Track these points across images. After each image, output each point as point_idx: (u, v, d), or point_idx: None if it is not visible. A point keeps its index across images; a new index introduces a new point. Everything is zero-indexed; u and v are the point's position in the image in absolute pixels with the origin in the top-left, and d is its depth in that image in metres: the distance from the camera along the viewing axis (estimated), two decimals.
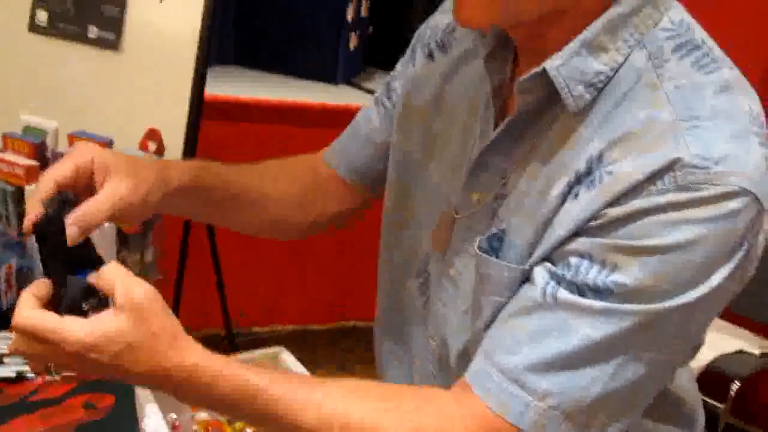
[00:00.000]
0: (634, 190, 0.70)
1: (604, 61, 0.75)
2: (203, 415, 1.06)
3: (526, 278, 0.78)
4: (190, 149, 1.80)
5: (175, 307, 2.02)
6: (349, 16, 4.51)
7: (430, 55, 0.99)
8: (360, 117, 1.13)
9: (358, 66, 4.81)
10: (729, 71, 0.74)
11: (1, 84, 1.94)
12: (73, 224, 0.78)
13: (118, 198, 0.82)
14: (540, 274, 0.76)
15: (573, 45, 0.75)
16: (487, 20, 0.75)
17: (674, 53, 0.74)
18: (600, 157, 0.73)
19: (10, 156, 1.53)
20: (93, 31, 1.84)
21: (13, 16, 1.88)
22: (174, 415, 1.05)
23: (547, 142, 0.79)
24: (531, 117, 0.80)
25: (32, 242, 1.47)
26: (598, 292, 0.71)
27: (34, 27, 1.88)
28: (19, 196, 1.49)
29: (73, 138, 1.54)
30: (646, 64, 0.74)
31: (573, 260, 0.73)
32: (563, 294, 0.73)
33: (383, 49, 5.23)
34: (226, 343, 2.26)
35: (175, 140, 1.80)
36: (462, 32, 0.95)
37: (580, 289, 0.72)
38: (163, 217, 1.48)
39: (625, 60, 0.75)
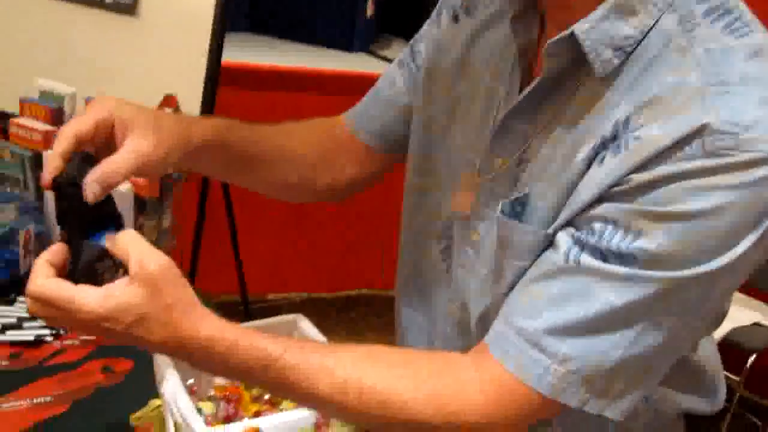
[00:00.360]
0: (662, 155, 0.69)
1: (634, 24, 0.73)
2: (221, 380, 1.07)
3: (549, 243, 0.78)
4: (207, 115, 1.80)
5: (192, 273, 2.02)
6: None
7: (455, 18, 0.98)
8: (382, 80, 1.11)
9: (375, 33, 4.78)
10: (761, 36, 0.72)
11: (17, 49, 1.94)
12: (93, 181, 0.76)
13: (139, 155, 0.80)
14: (563, 239, 0.76)
15: (603, 8, 0.73)
16: None
17: (705, 17, 0.73)
18: (626, 122, 0.72)
19: (27, 121, 1.53)
20: None
21: None
22: (192, 380, 1.05)
23: (572, 107, 0.78)
24: (556, 81, 0.79)
25: (50, 207, 1.47)
26: (622, 257, 0.71)
27: None
28: (36, 162, 1.49)
29: (90, 104, 1.53)
30: (676, 27, 0.73)
31: (597, 225, 0.73)
32: (586, 259, 0.73)
33: (400, 16, 5.19)
34: (241, 310, 2.26)
35: (191, 107, 1.80)
36: None
37: (604, 255, 0.72)
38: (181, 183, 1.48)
39: (655, 23, 0.73)
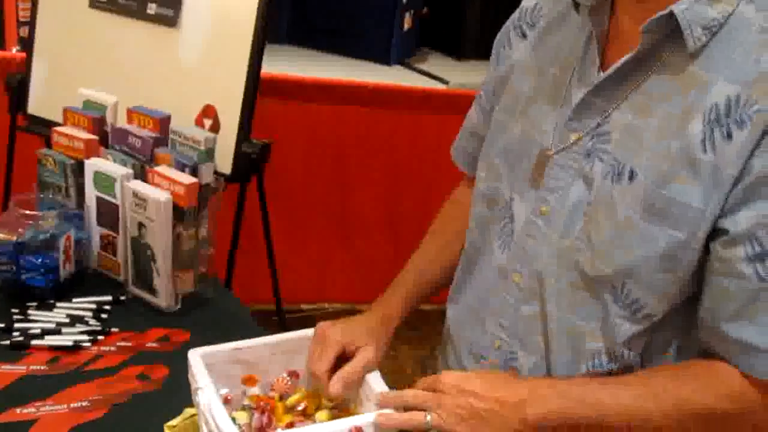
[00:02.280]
0: None
1: (718, 9, 0.86)
2: (255, 390, 1.07)
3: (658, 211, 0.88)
4: (246, 126, 1.81)
5: (228, 282, 2.04)
6: None
7: (523, 35, 1.12)
8: (466, 117, 1.27)
9: (413, 46, 4.79)
10: None
11: (62, 58, 1.98)
12: (337, 381, 1.05)
13: (368, 361, 1.08)
14: (737, 264, 0.85)
15: None
16: None
17: None
18: (738, 99, 0.83)
19: (70, 130, 1.56)
20: (152, 7, 1.85)
21: None
22: (226, 390, 1.06)
23: (659, 82, 0.90)
24: (642, 59, 0.91)
25: (90, 215, 1.49)
26: None
27: (94, 3, 1.90)
28: (78, 169, 1.51)
29: (132, 112, 1.56)
30: (756, 15, 0.86)
31: (760, 232, 0.83)
32: None
33: (438, 29, 5.19)
34: (275, 320, 2.27)
35: (230, 117, 1.81)
36: (547, 7, 1.09)
37: None
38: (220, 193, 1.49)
39: (734, 11, 0.87)
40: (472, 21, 5.18)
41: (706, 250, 0.88)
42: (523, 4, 1.15)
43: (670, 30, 0.87)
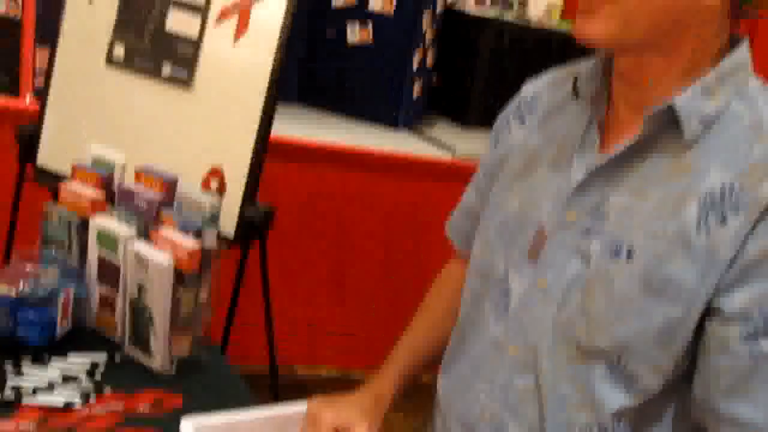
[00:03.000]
0: None
1: (713, 104, 0.93)
2: None
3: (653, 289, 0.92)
4: (251, 190, 1.82)
5: (223, 343, 2.03)
6: (415, 65, 4.55)
7: (522, 121, 1.17)
8: (462, 197, 1.32)
9: (421, 112, 4.84)
10: None
11: (75, 112, 2.00)
12: None
13: None
14: (731, 342, 0.88)
15: (692, 89, 0.93)
16: (606, 35, 0.92)
17: (765, 104, 0.94)
18: (732, 186, 0.89)
19: (77, 186, 1.57)
20: (167, 68, 1.88)
21: (93, 49, 1.94)
22: None
23: (656, 168, 0.95)
24: (642, 146, 0.96)
25: (91, 272, 1.49)
26: None
27: (111, 60, 1.93)
28: (82, 227, 1.52)
29: (140, 173, 1.57)
30: (745, 111, 0.94)
31: (754, 311, 0.87)
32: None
33: (446, 96, 5.26)
34: (268, 385, 2.25)
35: (237, 179, 1.83)
36: (547, 96, 1.16)
37: None
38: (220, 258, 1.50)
39: (727, 106, 0.94)
40: (479, 90, 5.26)
41: (701, 327, 0.91)
42: (521, 93, 1.21)
43: (668, 120, 0.94)
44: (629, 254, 0.94)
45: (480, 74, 5.27)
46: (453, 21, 5.21)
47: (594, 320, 0.96)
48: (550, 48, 5.38)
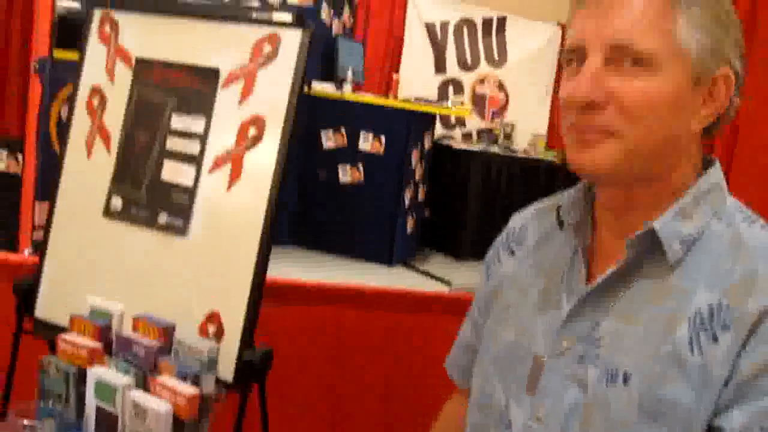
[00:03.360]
0: (760, 325, 0.89)
1: (692, 225, 0.97)
2: None
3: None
4: (249, 333, 1.82)
5: None
6: (406, 201, 4.65)
7: (512, 252, 1.20)
8: (459, 332, 1.33)
9: (414, 247, 4.90)
10: None
11: (73, 264, 2.03)
12: None
13: None
14: None
15: (671, 211, 0.97)
16: (607, 168, 0.95)
17: (743, 222, 0.98)
18: (720, 305, 0.92)
19: (75, 337, 1.58)
20: (163, 217, 1.92)
21: (91, 201, 1.99)
22: None
23: (642, 291, 0.98)
24: (626, 271, 0.99)
25: (90, 425, 1.48)
26: None
27: (108, 212, 1.98)
28: (80, 378, 1.51)
29: (137, 322, 1.58)
30: (726, 229, 0.97)
31: (755, 429, 0.87)
32: None
33: (438, 231, 5.34)
34: None
35: (234, 323, 1.83)
36: (533, 227, 1.19)
37: None
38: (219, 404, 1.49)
39: (706, 226, 0.97)
40: (471, 222, 5.35)
41: None
42: (509, 224, 1.26)
43: (650, 244, 0.97)
44: (625, 379, 0.95)
45: (470, 206, 5.38)
46: (441, 156, 5.36)
47: None
48: (537, 176, 5.52)
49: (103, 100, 2.02)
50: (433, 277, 3.96)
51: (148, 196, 1.95)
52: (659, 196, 0.99)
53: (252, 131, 1.85)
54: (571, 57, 0.98)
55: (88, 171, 2.02)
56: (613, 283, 1.00)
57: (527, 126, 6.75)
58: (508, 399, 1.08)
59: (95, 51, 2.02)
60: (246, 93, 1.88)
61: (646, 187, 0.99)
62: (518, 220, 1.24)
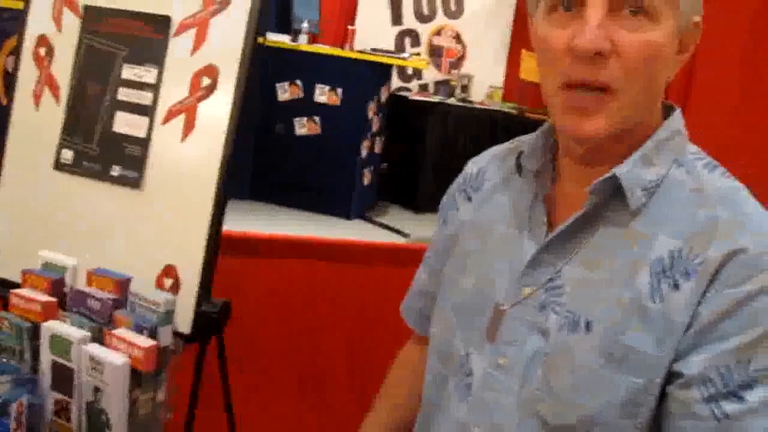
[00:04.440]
0: (722, 271, 0.88)
1: (654, 172, 0.96)
2: None
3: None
4: (206, 286, 1.81)
5: None
6: (363, 153, 4.63)
7: (469, 198, 1.18)
8: (415, 276, 1.31)
9: (372, 200, 4.90)
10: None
11: (24, 219, 1.99)
12: None
13: None
14: (694, 405, 0.88)
15: (633, 158, 0.96)
16: (607, 132, 0.92)
17: (703, 168, 0.97)
18: (680, 252, 0.91)
19: (27, 292, 1.55)
20: (116, 170, 1.89)
21: (41, 154, 1.94)
22: None
23: (604, 238, 0.97)
24: (587, 218, 0.98)
25: (45, 380, 1.46)
26: (750, 386, 0.86)
27: (59, 165, 1.93)
28: (34, 333, 1.49)
29: (91, 275, 1.56)
30: (687, 177, 0.96)
31: (713, 374, 0.87)
32: (728, 407, 0.87)
33: (396, 184, 5.33)
34: None
35: (191, 276, 1.82)
36: (491, 173, 1.17)
37: (737, 394, 0.87)
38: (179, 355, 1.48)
39: (667, 173, 0.97)
40: (428, 175, 5.35)
41: (664, 393, 0.91)
42: (466, 169, 1.22)
43: (613, 190, 0.96)
44: (588, 327, 0.94)
45: (428, 158, 5.38)
46: (399, 108, 5.34)
47: (559, 396, 0.95)
48: (494, 128, 5.52)
49: (50, 50, 1.96)
50: (391, 229, 3.97)
51: (100, 148, 1.91)
52: (628, 146, 0.97)
53: (205, 81, 1.81)
54: (555, 2, 0.93)
55: (36, 123, 1.97)
56: (575, 231, 0.99)
57: (484, 78, 6.73)
58: (468, 347, 1.07)
59: None
60: (199, 42, 1.84)
61: (619, 141, 0.96)
62: (475, 164, 1.22)
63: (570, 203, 1.01)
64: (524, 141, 1.13)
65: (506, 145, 1.20)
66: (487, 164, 1.19)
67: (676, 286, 0.90)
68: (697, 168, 0.98)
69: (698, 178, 0.96)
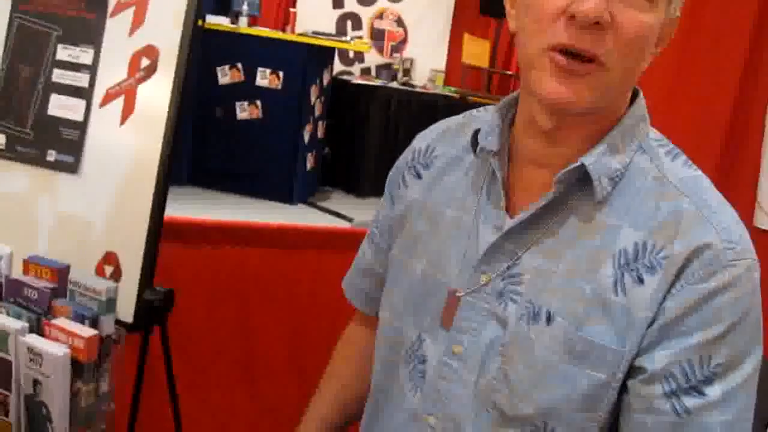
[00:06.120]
0: (688, 266, 0.87)
1: (619, 160, 0.94)
2: None
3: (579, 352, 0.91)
4: (148, 273, 1.76)
5: None
6: (306, 138, 4.58)
7: (418, 175, 1.13)
8: (358, 253, 1.27)
9: (315, 186, 4.86)
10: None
11: None
12: None
13: None
14: (655, 400, 0.88)
15: (601, 147, 0.93)
16: (587, 103, 0.89)
17: (666, 156, 0.96)
18: (645, 245, 0.90)
19: None
20: (52, 154, 1.82)
21: None
22: None
23: (566, 227, 0.94)
24: (551, 205, 0.95)
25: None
26: (710, 381, 0.87)
27: None
28: None
29: (28, 263, 1.50)
30: (650, 164, 0.94)
31: (675, 370, 0.87)
32: (690, 402, 0.87)
33: (338, 169, 5.30)
34: None
35: (132, 264, 1.77)
36: (441, 149, 1.12)
37: (698, 389, 0.87)
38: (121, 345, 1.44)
39: (630, 161, 0.94)
40: (371, 160, 5.34)
41: (624, 388, 0.90)
42: (414, 144, 1.17)
43: (577, 179, 0.93)
44: (549, 319, 0.92)
45: (370, 143, 5.36)
46: (341, 92, 5.30)
47: (516, 387, 0.94)
48: (436, 111, 5.53)
49: None
50: (334, 214, 3.95)
51: (34, 132, 1.84)
52: (595, 129, 0.94)
53: (145, 62, 1.76)
54: None
55: None
56: (536, 218, 0.95)
57: (426, 62, 6.73)
58: (420, 333, 1.04)
59: None
60: (137, 22, 1.78)
61: (589, 122, 0.93)
62: (423, 139, 1.16)
63: (528, 188, 0.98)
64: (477, 116, 1.10)
65: (457, 119, 1.15)
66: (436, 140, 1.14)
67: (640, 280, 0.89)
68: (660, 155, 0.96)
69: (661, 167, 0.94)
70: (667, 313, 0.88)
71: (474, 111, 1.14)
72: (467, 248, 1.01)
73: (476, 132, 1.02)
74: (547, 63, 0.88)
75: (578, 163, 0.92)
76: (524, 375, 0.93)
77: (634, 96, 0.98)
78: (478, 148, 1.02)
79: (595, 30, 0.85)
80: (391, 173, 1.19)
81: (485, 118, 1.05)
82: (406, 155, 1.17)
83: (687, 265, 0.87)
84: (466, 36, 6.68)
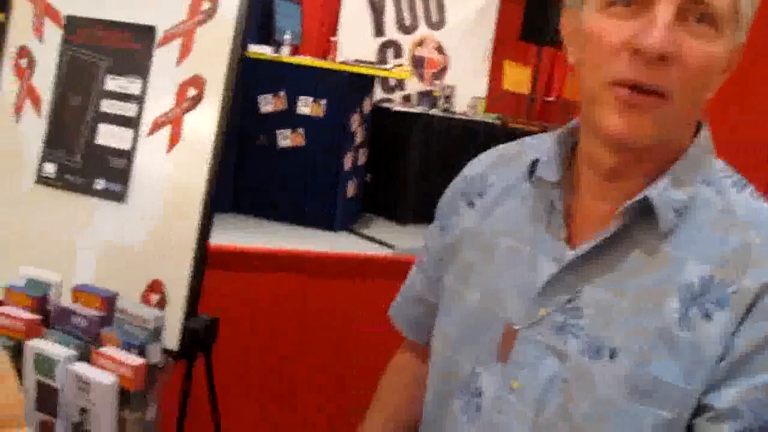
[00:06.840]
0: (758, 302, 0.85)
1: (684, 192, 0.91)
2: None
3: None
4: (193, 302, 1.77)
5: None
6: (347, 165, 4.60)
7: (471, 203, 1.10)
8: (407, 281, 1.25)
9: (357, 213, 4.86)
10: None
11: (3, 236, 1.94)
12: None
13: None
14: None
15: (665, 180, 0.91)
16: (651, 138, 0.87)
17: (732, 188, 0.93)
18: (712, 279, 0.87)
19: (11, 310, 1.50)
20: (100, 183, 1.85)
21: (22, 168, 1.90)
22: None
23: (630, 260, 0.92)
24: (614, 238, 0.92)
25: (30, 403, 1.41)
26: None
27: (41, 178, 1.89)
28: (18, 351, 1.45)
29: (77, 292, 1.51)
30: (716, 196, 0.92)
31: (744, 407, 0.84)
32: None
33: (380, 196, 5.31)
34: None
35: (177, 291, 1.78)
36: (495, 177, 1.09)
37: None
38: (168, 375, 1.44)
39: (696, 193, 0.92)
40: (412, 187, 5.33)
41: (690, 427, 0.87)
42: (466, 172, 1.15)
43: (640, 211, 0.90)
44: (612, 354, 0.89)
45: (411, 170, 5.36)
46: (382, 119, 5.31)
47: (577, 424, 0.91)
48: (477, 138, 5.52)
49: (31, 62, 1.92)
50: (376, 241, 3.94)
51: (83, 161, 1.87)
52: (659, 162, 0.92)
53: (191, 92, 1.78)
54: None
55: (17, 136, 1.93)
56: (597, 250, 0.93)
57: (467, 89, 6.72)
58: (474, 366, 1.02)
59: (21, 9, 1.92)
60: (184, 52, 1.80)
61: (653, 155, 0.91)
62: (477, 167, 1.13)
63: (591, 219, 0.96)
64: (533, 145, 1.07)
65: (510, 146, 1.13)
66: (490, 168, 1.11)
67: (707, 316, 0.86)
68: (726, 186, 0.93)
69: (727, 199, 0.92)
70: (736, 350, 0.85)
71: (528, 138, 1.12)
72: (525, 280, 0.99)
73: (534, 161, 1.01)
74: (610, 98, 0.86)
75: (642, 196, 0.90)
76: (586, 412, 0.90)
77: (699, 125, 0.96)
78: (535, 177, 1.00)
79: (661, 64, 0.83)
80: (441, 201, 1.17)
81: (542, 146, 1.02)
82: (458, 183, 1.15)
83: (757, 301, 0.85)
84: (507, 63, 6.67)
